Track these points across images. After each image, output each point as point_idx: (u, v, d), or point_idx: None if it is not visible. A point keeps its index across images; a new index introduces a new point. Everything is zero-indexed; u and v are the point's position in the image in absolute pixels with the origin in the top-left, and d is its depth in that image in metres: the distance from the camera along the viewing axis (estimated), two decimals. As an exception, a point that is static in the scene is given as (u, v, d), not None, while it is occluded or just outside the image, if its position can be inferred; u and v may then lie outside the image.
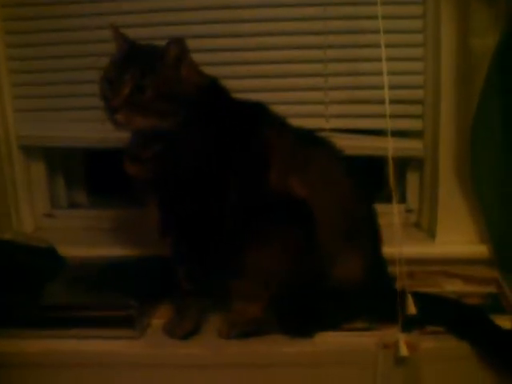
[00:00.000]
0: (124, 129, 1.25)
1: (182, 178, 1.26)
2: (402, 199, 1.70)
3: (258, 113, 1.33)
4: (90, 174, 1.93)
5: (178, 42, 1.25)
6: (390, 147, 1.30)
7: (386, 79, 1.31)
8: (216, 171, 1.26)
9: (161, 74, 1.23)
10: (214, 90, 1.32)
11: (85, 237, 1.73)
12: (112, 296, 1.38)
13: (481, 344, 1.23)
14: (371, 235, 1.33)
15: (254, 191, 1.26)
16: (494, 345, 1.22)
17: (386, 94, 1.31)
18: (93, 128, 1.55)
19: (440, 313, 1.31)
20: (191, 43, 1.57)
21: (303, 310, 1.27)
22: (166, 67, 1.24)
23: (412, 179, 1.69)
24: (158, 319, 1.38)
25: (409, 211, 1.71)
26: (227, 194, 1.26)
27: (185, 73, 1.26)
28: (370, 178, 1.49)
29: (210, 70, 1.45)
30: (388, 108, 1.31)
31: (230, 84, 1.39)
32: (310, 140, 1.35)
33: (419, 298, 1.28)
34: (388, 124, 1.31)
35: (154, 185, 1.29)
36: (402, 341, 1.22)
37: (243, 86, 1.58)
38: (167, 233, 1.31)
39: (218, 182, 1.26)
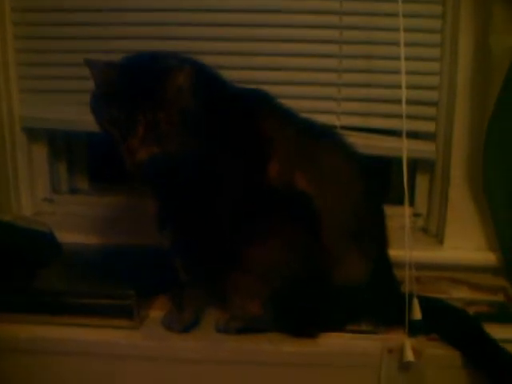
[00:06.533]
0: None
1: (177, 174, 1.23)
2: (410, 202, 1.66)
3: (256, 103, 1.28)
4: (93, 160, 1.91)
5: (181, 68, 1.18)
6: (404, 148, 1.27)
7: (403, 78, 1.28)
8: (211, 167, 1.23)
9: (170, 104, 1.17)
10: (205, 87, 1.24)
11: (84, 223, 1.71)
12: (110, 285, 1.35)
13: (471, 356, 1.21)
14: (378, 236, 1.30)
15: (253, 185, 1.22)
16: (483, 359, 1.20)
17: (404, 93, 1.28)
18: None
19: (438, 320, 1.28)
20: (203, 31, 1.59)
21: (304, 309, 1.24)
22: (173, 96, 1.17)
23: (421, 182, 1.67)
24: (157, 311, 1.35)
25: (416, 215, 1.68)
26: (223, 188, 1.23)
27: (187, 92, 1.19)
28: (376, 178, 1.46)
29: (219, 61, 1.42)
30: (404, 108, 1.28)
31: (240, 75, 1.37)
32: (319, 133, 1.31)
33: (424, 302, 1.25)
34: (404, 125, 1.29)
35: (150, 178, 1.26)
36: (409, 346, 1.20)
37: (254, 77, 1.57)
38: (164, 224, 1.28)
39: (213, 177, 1.23)
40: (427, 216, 1.67)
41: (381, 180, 1.68)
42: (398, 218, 1.35)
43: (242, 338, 1.27)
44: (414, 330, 1.24)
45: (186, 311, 1.30)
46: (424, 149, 1.59)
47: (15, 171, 1.73)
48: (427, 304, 1.26)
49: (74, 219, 1.75)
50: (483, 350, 1.20)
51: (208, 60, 1.28)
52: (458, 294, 1.43)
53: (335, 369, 1.25)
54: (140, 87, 1.17)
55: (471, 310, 1.34)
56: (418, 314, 1.24)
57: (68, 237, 1.59)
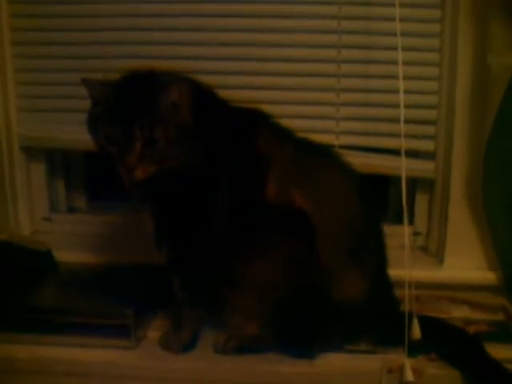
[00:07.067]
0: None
1: (175, 192, 1.22)
2: (410, 221, 1.64)
3: (254, 121, 1.29)
4: (90, 178, 1.90)
5: (175, 84, 1.18)
6: (403, 167, 1.27)
7: (402, 97, 1.28)
8: (209, 184, 1.23)
9: (166, 120, 1.17)
10: (203, 104, 1.25)
11: (82, 242, 1.69)
12: (108, 304, 1.33)
13: (471, 376, 1.20)
14: (377, 255, 1.30)
15: (251, 203, 1.22)
16: (483, 378, 1.18)
17: (402, 112, 1.27)
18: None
19: (438, 340, 1.28)
20: (201, 51, 1.59)
21: (303, 328, 1.23)
22: (167, 112, 1.17)
23: (421, 201, 1.66)
24: (154, 331, 1.34)
25: (416, 234, 1.67)
26: (221, 205, 1.22)
27: (184, 109, 1.19)
28: (374, 196, 1.45)
29: (220, 80, 1.43)
30: (403, 127, 1.28)
31: (239, 94, 1.36)
32: (317, 152, 1.31)
33: (424, 322, 1.24)
34: (402, 144, 1.28)
35: (148, 195, 1.25)
36: (408, 365, 1.18)
37: (252, 96, 1.56)
38: (162, 243, 1.27)
39: (210, 195, 1.23)
40: (427, 235, 1.66)
41: (379, 198, 1.67)
42: (398, 237, 1.34)
43: (239, 359, 1.26)
44: (414, 349, 1.22)
45: (183, 330, 1.29)
46: (423, 167, 1.59)
47: (13, 190, 1.73)
48: (427, 323, 1.25)
49: (72, 238, 1.74)
50: (483, 369, 1.19)
51: (207, 79, 1.29)
52: (458, 314, 1.42)
53: (334, 389, 1.23)
54: (135, 103, 1.17)
55: (471, 330, 1.33)
56: (417, 334, 1.23)
57: (66, 256, 1.58)
